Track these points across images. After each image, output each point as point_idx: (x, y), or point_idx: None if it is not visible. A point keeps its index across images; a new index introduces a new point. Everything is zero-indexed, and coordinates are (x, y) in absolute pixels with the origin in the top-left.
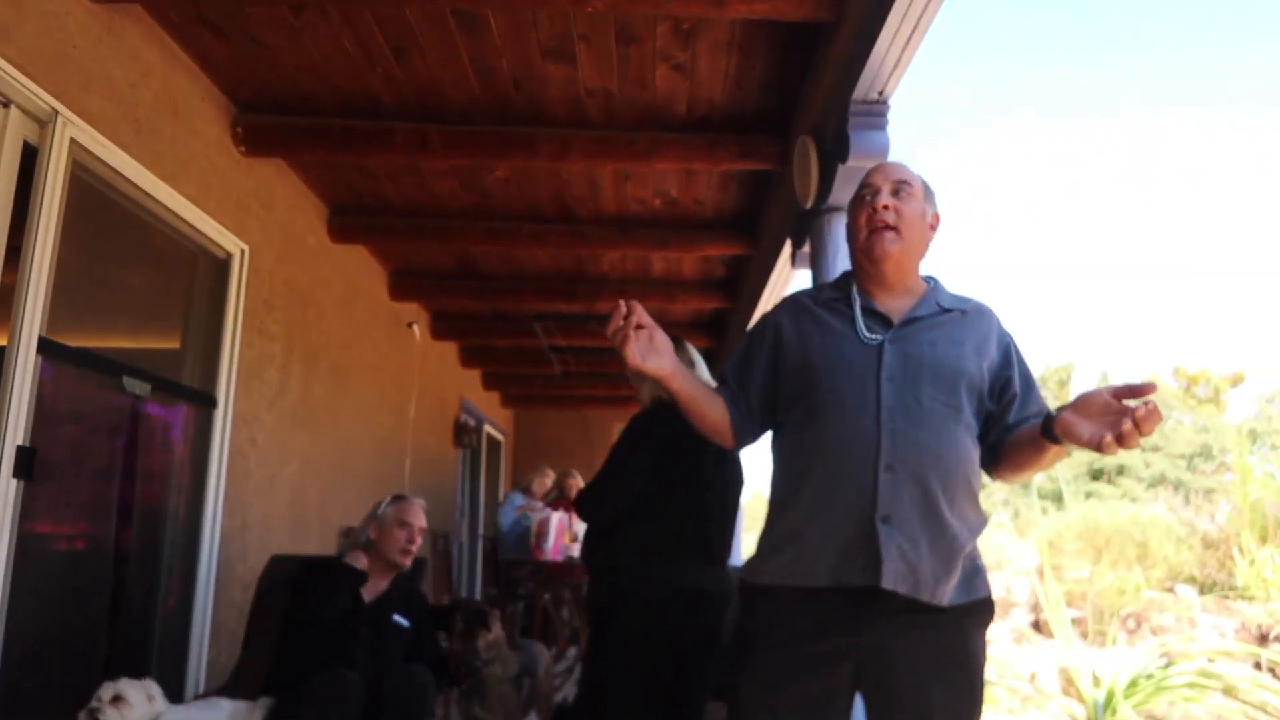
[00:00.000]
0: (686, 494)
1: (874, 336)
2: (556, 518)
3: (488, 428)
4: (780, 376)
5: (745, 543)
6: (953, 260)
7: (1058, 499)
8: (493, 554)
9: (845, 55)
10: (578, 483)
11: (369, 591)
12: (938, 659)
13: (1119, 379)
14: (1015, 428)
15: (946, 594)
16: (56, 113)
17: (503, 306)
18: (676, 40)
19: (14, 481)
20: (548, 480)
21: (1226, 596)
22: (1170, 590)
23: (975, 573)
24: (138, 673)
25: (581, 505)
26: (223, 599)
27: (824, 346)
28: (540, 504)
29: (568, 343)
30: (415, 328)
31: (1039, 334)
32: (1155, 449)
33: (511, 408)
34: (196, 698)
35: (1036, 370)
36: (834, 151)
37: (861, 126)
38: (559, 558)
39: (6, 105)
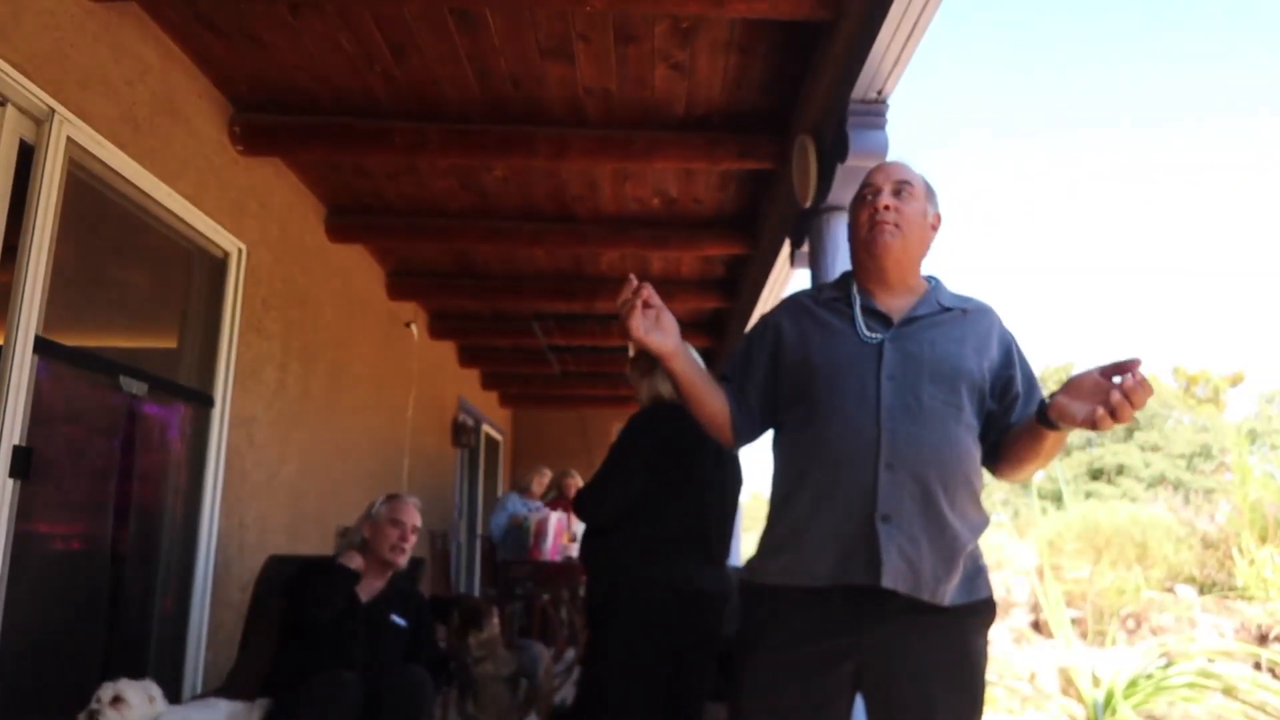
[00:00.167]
0: (685, 493)
1: (874, 335)
2: (555, 518)
3: (486, 427)
4: (780, 376)
5: (745, 543)
6: (953, 260)
7: (1057, 499)
8: (491, 554)
9: (844, 54)
10: (576, 482)
11: (366, 591)
12: (939, 659)
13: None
14: (1017, 426)
15: (948, 594)
16: (53, 111)
17: (501, 306)
18: (675, 39)
19: (10, 481)
20: (545, 479)
21: (1226, 596)
22: (1170, 590)
23: (977, 573)
24: (135, 673)
25: (580, 505)
26: (220, 599)
27: (824, 346)
28: (538, 503)
29: (566, 342)
30: (413, 327)
31: (1039, 334)
32: (1155, 449)
33: (510, 407)
34: (194, 698)
35: (1036, 370)
36: (833, 151)
37: (860, 126)
38: (557, 558)
39: (3, 104)
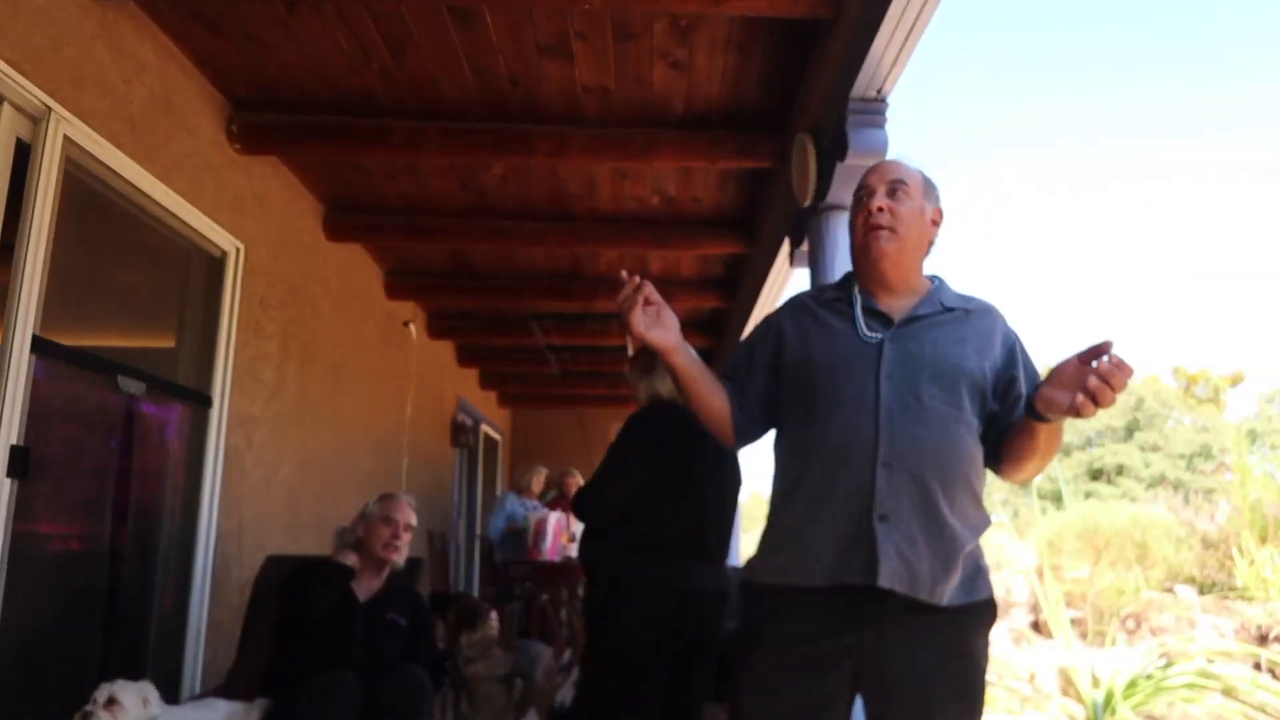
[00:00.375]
0: (684, 493)
1: (874, 334)
2: (554, 518)
3: (485, 427)
4: (781, 377)
5: (744, 542)
6: (953, 259)
7: (1057, 499)
8: (490, 554)
9: (843, 53)
10: (577, 481)
11: (364, 591)
12: (938, 660)
13: None
14: (1015, 424)
15: (946, 594)
16: (50, 109)
17: (500, 305)
18: (674, 37)
19: (8, 481)
20: (541, 477)
21: (1226, 597)
22: (1170, 590)
23: (977, 573)
24: (133, 673)
25: (579, 505)
26: (218, 599)
27: (824, 345)
28: (535, 503)
29: (565, 342)
30: (412, 327)
31: (1039, 334)
32: (1155, 449)
33: (509, 407)
34: (192, 698)
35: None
36: (832, 150)
37: (860, 124)
38: (556, 558)
39: None
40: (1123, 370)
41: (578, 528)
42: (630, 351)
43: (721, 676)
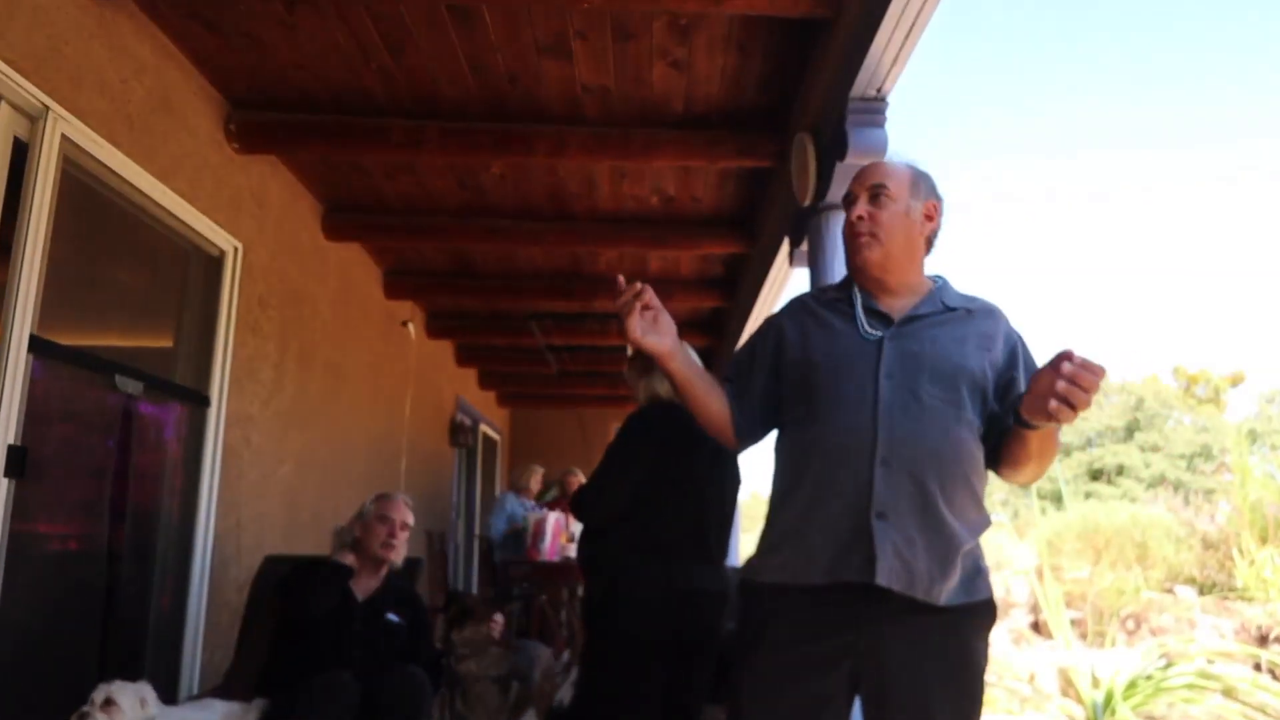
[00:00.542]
0: (683, 493)
1: (873, 333)
2: (553, 518)
3: (484, 427)
4: (782, 377)
5: (744, 542)
6: (953, 259)
7: (1057, 499)
8: (489, 554)
9: (843, 52)
10: (579, 480)
11: (362, 591)
12: (937, 660)
13: (1118, 378)
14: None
15: (944, 593)
16: (47, 109)
17: (499, 305)
18: (673, 36)
19: (5, 481)
20: (538, 476)
21: (1226, 597)
22: (1170, 591)
23: (977, 573)
24: (131, 674)
25: (577, 505)
26: (216, 599)
27: (824, 344)
28: (533, 503)
29: (564, 341)
30: (410, 326)
31: (1039, 334)
32: (1155, 449)
33: (508, 407)
34: (190, 699)
35: None
36: (832, 149)
37: (860, 124)
38: (555, 558)
39: None
40: (1089, 370)
41: (577, 528)
42: (630, 351)
43: (721, 677)
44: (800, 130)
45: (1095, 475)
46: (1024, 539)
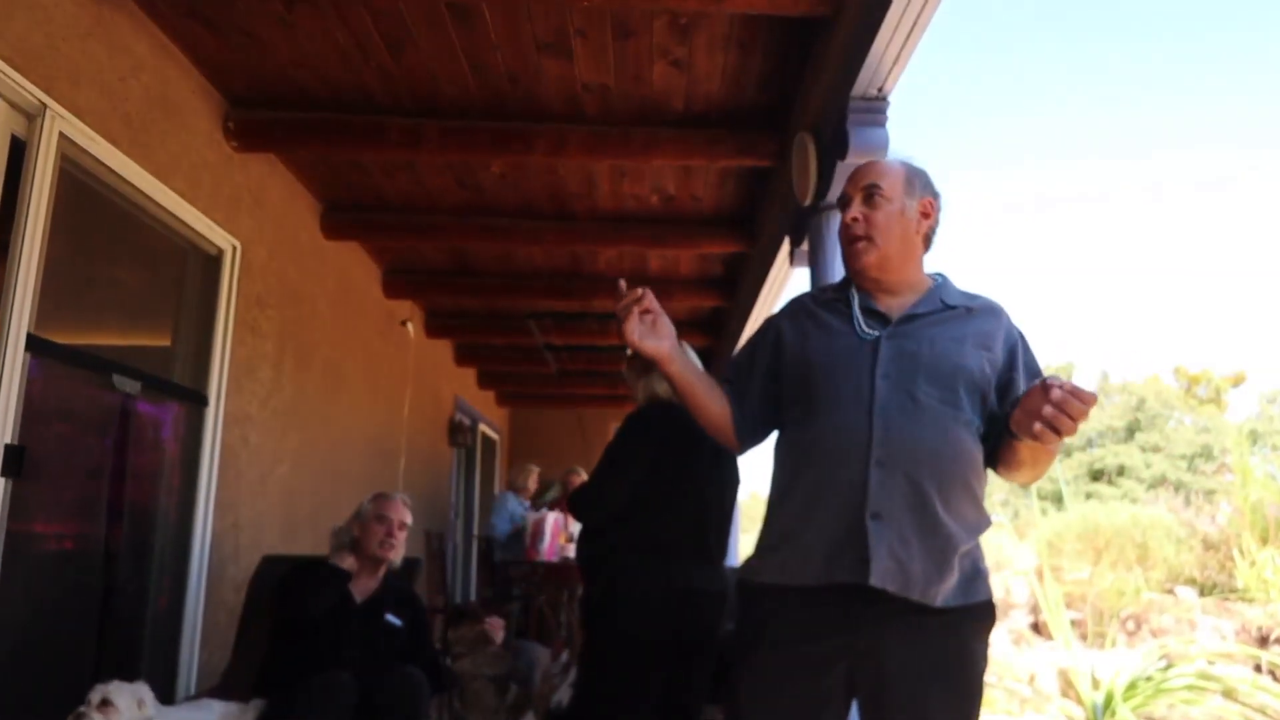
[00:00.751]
0: (682, 493)
1: (870, 333)
2: (552, 518)
3: (483, 427)
4: (781, 378)
5: (743, 543)
6: (953, 259)
7: (1058, 500)
8: (488, 554)
9: (844, 51)
10: (581, 479)
11: (360, 591)
12: (934, 662)
13: (1119, 378)
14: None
15: (940, 595)
16: (45, 107)
17: (498, 304)
18: (674, 35)
19: (2, 480)
20: (534, 476)
21: (1227, 598)
22: (1170, 592)
23: (976, 574)
24: (128, 674)
25: (576, 504)
26: (214, 599)
27: (822, 345)
28: (529, 503)
29: (563, 341)
30: (409, 325)
31: (1039, 334)
32: (1156, 449)
33: (506, 406)
34: (187, 699)
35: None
36: (833, 148)
37: (861, 123)
38: (554, 558)
39: None
40: (1079, 398)
41: (576, 528)
42: (629, 351)
43: (720, 677)
44: (801, 129)
45: (1096, 475)
46: (1024, 539)
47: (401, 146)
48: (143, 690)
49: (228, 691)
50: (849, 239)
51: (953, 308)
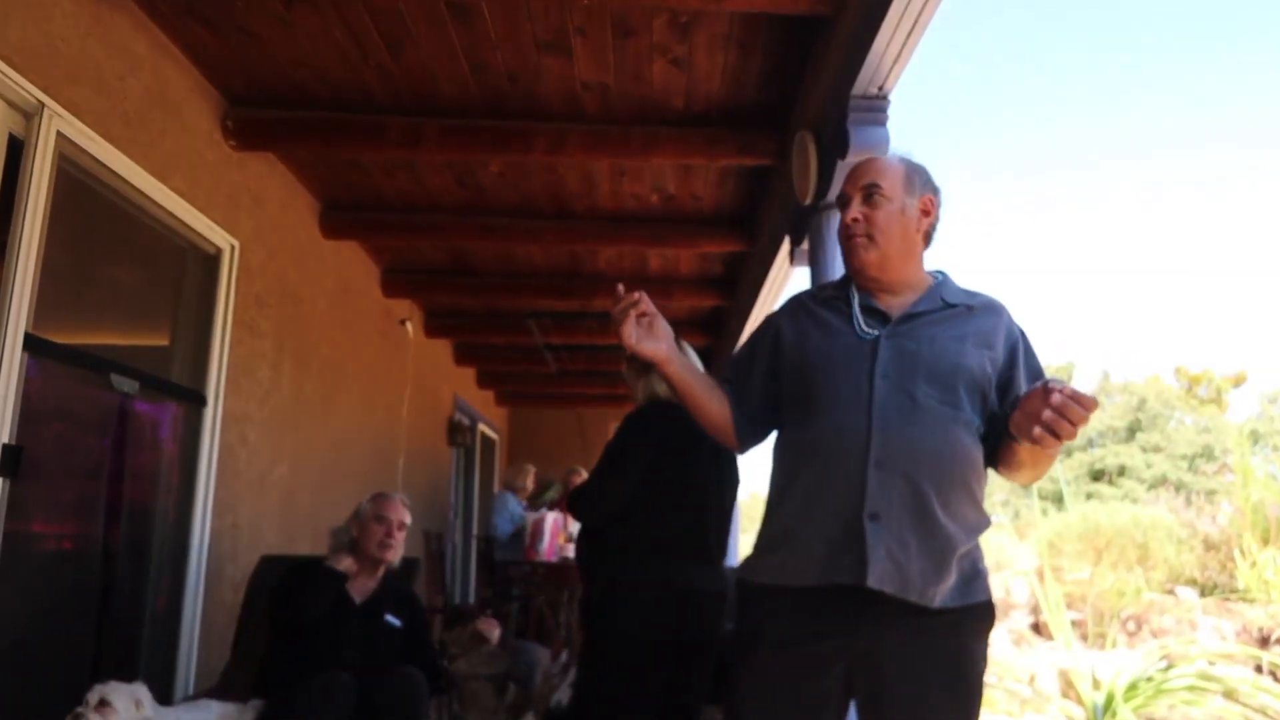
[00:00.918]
0: (681, 492)
1: (870, 332)
2: (551, 518)
3: (482, 426)
4: (780, 377)
5: (742, 543)
6: (952, 258)
7: (1058, 500)
8: (487, 554)
9: (845, 50)
10: (582, 479)
11: (359, 591)
12: (932, 663)
13: (1119, 378)
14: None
15: (938, 596)
16: (43, 105)
17: (497, 304)
18: (674, 33)
19: (0, 480)
20: (531, 475)
21: (1227, 599)
22: (1171, 592)
23: (975, 575)
24: (126, 674)
25: (575, 504)
26: (212, 599)
27: (821, 344)
28: (526, 503)
29: (563, 341)
30: (408, 325)
31: (1039, 334)
32: (1157, 450)
33: (506, 406)
34: (186, 699)
35: None
36: (833, 147)
37: (861, 122)
38: (554, 558)
39: None
40: (1079, 403)
41: (575, 528)
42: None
43: (719, 677)
44: (801, 128)
45: (1096, 476)
46: (1025, 540)
47: (401, 146)
48: (140, 690)
49: (226, 692)
50: (849, 238)
51: (953, 306)
